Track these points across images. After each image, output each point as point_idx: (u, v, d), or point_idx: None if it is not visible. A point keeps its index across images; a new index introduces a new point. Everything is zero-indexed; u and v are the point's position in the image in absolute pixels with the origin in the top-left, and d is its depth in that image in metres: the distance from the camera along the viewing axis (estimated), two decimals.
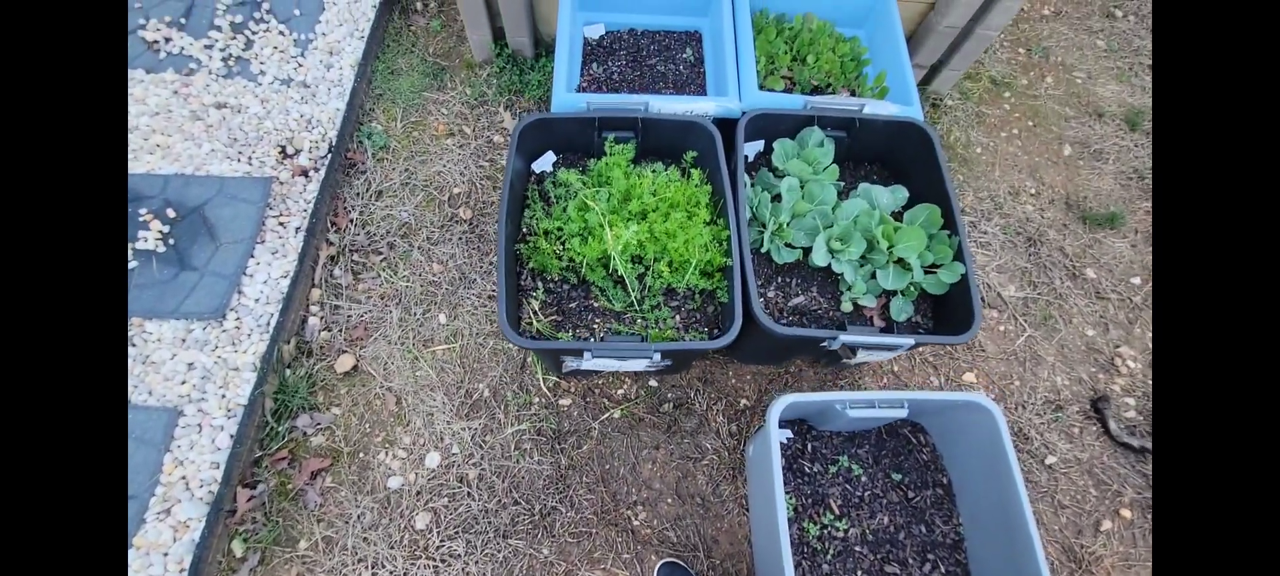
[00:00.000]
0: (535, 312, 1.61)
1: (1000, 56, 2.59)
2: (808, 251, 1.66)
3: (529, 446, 1.80)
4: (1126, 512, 1.76)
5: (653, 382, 1.90)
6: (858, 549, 1.49)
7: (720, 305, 1.62)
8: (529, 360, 1.92)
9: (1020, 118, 2.43)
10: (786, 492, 1.56)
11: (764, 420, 1.82)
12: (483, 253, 2.08)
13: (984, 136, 2.37)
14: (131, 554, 1.59)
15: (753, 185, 1.77)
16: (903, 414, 1.39)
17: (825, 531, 1.51)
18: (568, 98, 1.73)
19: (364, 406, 1.85)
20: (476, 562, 1.65)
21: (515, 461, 1.78)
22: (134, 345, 1.84)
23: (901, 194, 1.73)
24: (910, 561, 1.48)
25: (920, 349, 1.96)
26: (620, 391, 1.88)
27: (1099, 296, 2.08)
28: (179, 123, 2.20)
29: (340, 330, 1.95)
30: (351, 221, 2.12)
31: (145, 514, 1.64)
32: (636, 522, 1.72)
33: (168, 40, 2.34)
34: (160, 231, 1.99)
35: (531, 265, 1.67)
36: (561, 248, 1.65)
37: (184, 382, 1.81)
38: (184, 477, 1.69)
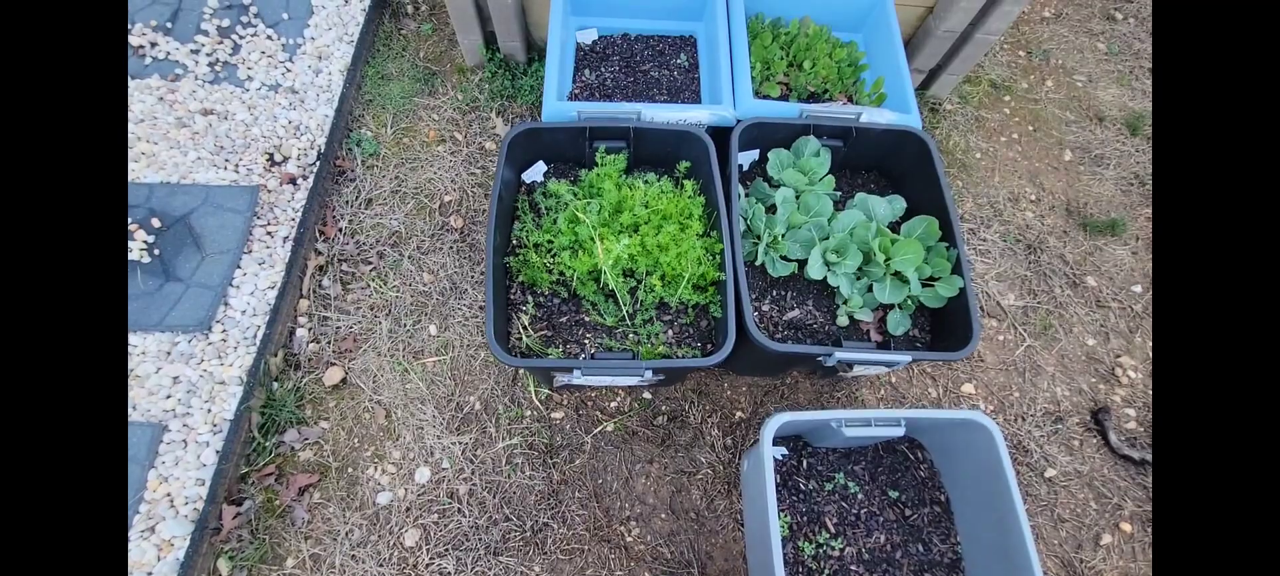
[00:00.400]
0: (525, 327, 1.58)
1: (1000, 59, 2.55)
2: (803, 264, 1.62)
3: (521, 460, 1.77)
4: (1127, 526, 1.73)
5: (646, 395, 1.87)
6: (854, 568, 1.46)
7: (714, 319, 1.58)
8: (521, 373, 1.89)
9: (1020, 122, 2.40)
10: (781, 510, 1.53)
11: (759, 435, 1.80)
12: (474, 262, 2.05)
13: (983, 141, 2.33)
14: None
15: (747, 196, 1.73)
16: (900, 432, 1.36)
17: (821, 550, 1.48)
18: (558, 107, 1.69)
19: (353, 420, 1.82)
20: None
21: (507, 476, 1.75)
22: None
23: (899, 204, 1.70)
24: None
25: (918, 362, 1.93)
26: (613, 404, 1.85)
27: (1100, 305, 2.05)
28: (164, 130, 2.16)
29: (329, 342, 1.91)
30: (340, 230, 2.09)
31: (129, 532, 1.61)
32: (630, 538, 1.69)
33: (154, 45, 2.30)
34: (145, 241, 1.96)
35: (521, 278, 1.64)
36: (552, 261, 1.62)
37: (169, 397, 1.78)
38: (168, 495, 1.66)
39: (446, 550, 1.66)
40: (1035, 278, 2.08)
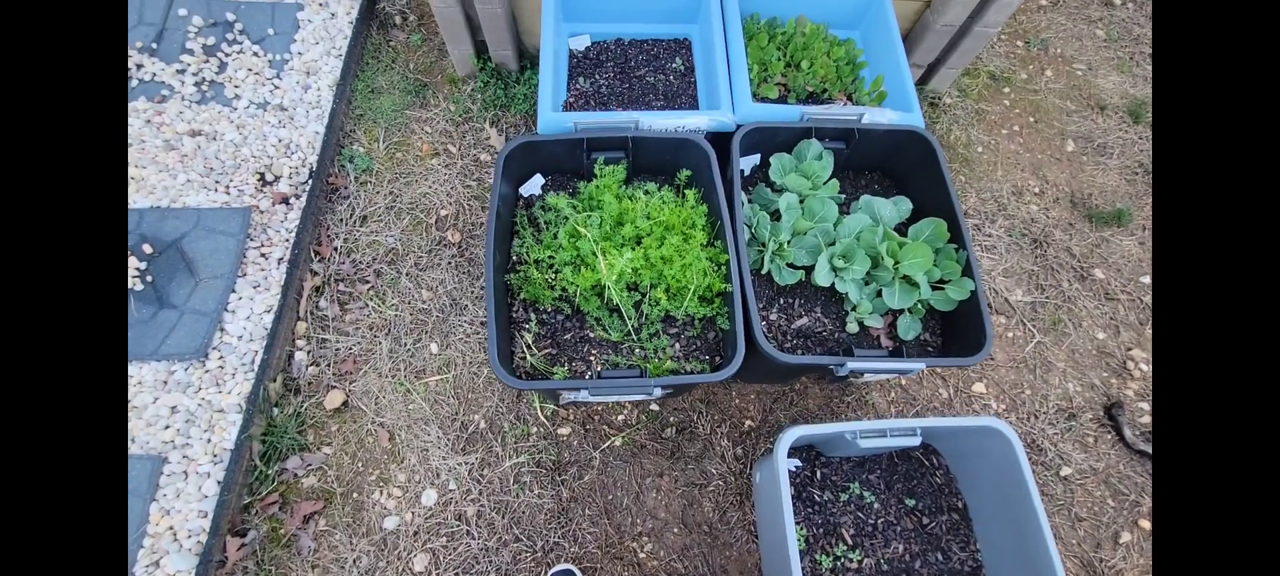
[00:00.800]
0: (528, 346, 1.55)
1: (998, 50, 2.52)
2: (809, 270, 1.59)
3: (528, 479, 1.75)
4: (1146, 523, 1.72)
5: (654, 407, 1.84)
6: None
7: (721, 331, 1.56)
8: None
9: (1021, 114, 2.37)
10: (797, 523, 1.51)
11: (771, 444, 1.77)
12: (473, 277, 2.02)
13: (984, 134, 2.30)
14: None
15: (750, 203, 1.70)
16: (916, 442, 1.33)
17: (839, 563, 1.45)
18: (554, 118, 1.66)
19: (356, 444, 1.79)
20: None
21: (515, 495, 1.73)
22: None
23: (905, 206, 1.67)
24: None
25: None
26: (620, 417, 1.83)
27: (1108, 297, 2.03)
28: (152, 153, 2.12)
29: (328, 364, 1.88)
30: (336, 249, 2.05)
31: (133, 568, 1.58)
32: (642, 555, 1.67)
33: (139, 66, 2.25)
34: (137, 268, 1.92)
35: (523, 296, 1.61)
36: (554, 277, 1.59)
37: (167, 427, 1.74)
38: (171, 528, 1.63)
39: (457, 574, 1.63)
40: (1042, 272, 2.06)
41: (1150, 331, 1.98)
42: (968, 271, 1.50)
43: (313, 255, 2.05)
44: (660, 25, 2.14)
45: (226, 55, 2.32)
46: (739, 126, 1.67)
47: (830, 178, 1.68)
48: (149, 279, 1.91)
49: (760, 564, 1.64)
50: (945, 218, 1.59)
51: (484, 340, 1.92)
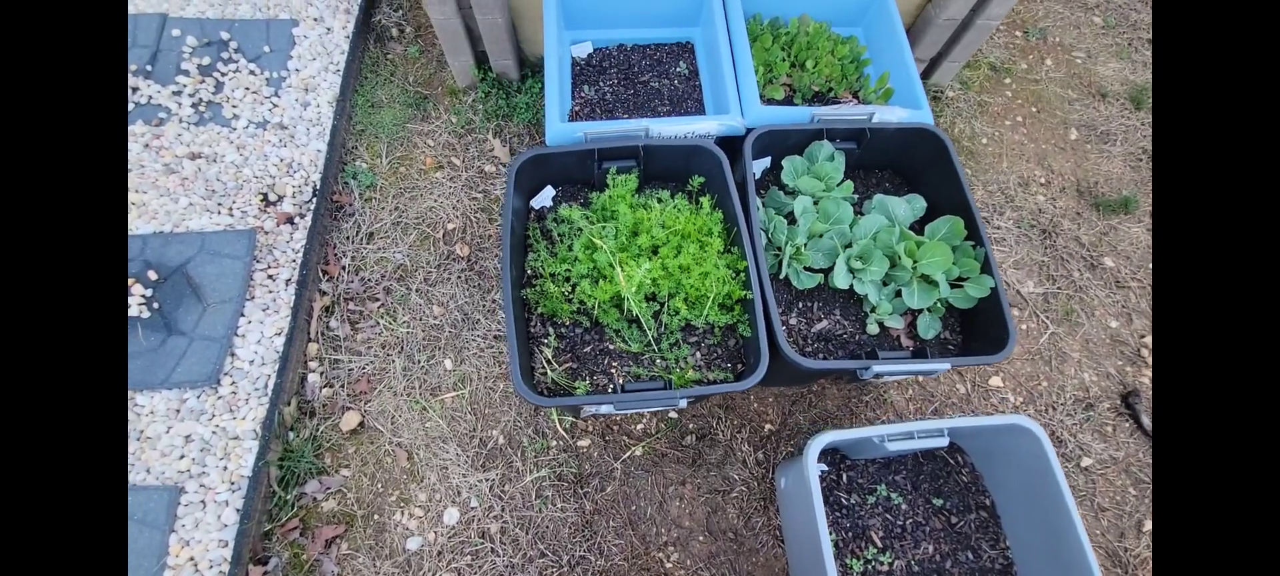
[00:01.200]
0: (548, 361, 1.54)
1: (997, 41, 2.52)
2: (827, 273, 1.59)
3: (550, 493, 1.74)
4: None
5: (673, 415, 1.83)
6: None
7: (742, 338, 1.55)
8: None
9: (1023, 104, 2.38)
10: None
11: (793, 448, 1.77)
12: (484, 291, 2.00)
13: (988, 126, 2.31)
14: None
15: (764, 207, 1.70)
16: (944, 442, 1.33)
17: (869, 567, 1.46)
18: (563, 129, 1.64)
19: (374, 465, 1.77)
20: None
21: (537, 510, 1.72)
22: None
23: (919, 204, 1.67)
24: None
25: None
26: (640, 427, 1.82)
27: (1119, 285, 2.04)
28: (152, 177, 2.09)
29: (342, 385, 1.86)
30: (344, 268, 2.03)
31: None
32: (669, 565, 1.66)
33: (134, 89, 2.22)
34: (143, 295, 1.89)
35: (540, 310, 1.60)
36: (571, 290, 1.57)
37: (182, 457, 1.72)
38: (191, 559, 1.61)
39: None
40: (1053, 263, 2.06)
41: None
42: (986, 268, 1.50)
43: (321, 275, 2.03)
44: (662, 29, 2.13)
45: (222, 75, 2.29)
46: (749, 130, 1.66)
47: (845, 180, 1.67)
48: (155, 306, 1.88)
49: (787, 569, 1.64)
50: (960, 214, 1.59)
51: (499, 354, 1.90)
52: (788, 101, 1.95)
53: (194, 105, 2.22)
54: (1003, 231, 2.11)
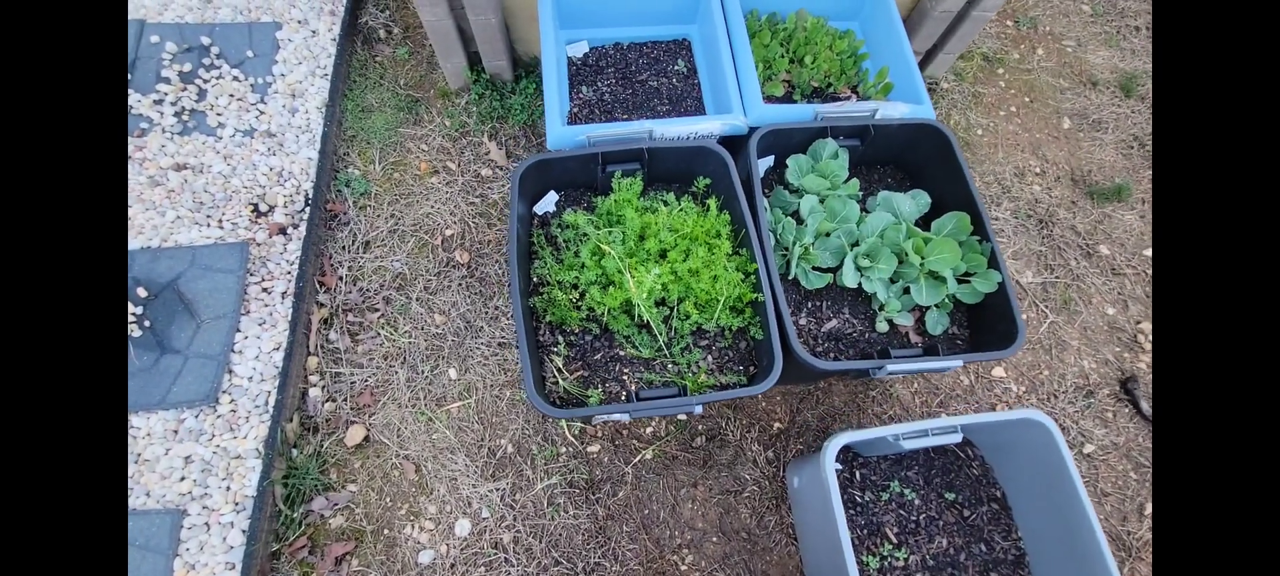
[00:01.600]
0: (559, 370, 1.52)
1: (990, 31, 2.54)
2: (835, 271, 1.59)
3: (562, 500, 1.73)
4: None
5: (682, 416, 1.83)
6: None
7: (753, 340, 1.55)
8: None
9: (1016, 94, 2.39)
10: None
11: (803, 446, 1.78)
12: (486, 297, 1.98)
13: (983, 117, 2.32)
14: None
15: (770, 208, 1.69)
16: (957, 439, 1.35)
17: (886, 563, 1.47)
18: (565, 133, 1.62)
19: (382, 479, 1.75)
20: None
21: (550, 518, 1.71)
22: None
23: (924, 200, 1.67)
24: None
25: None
26: (649, 430, 1.81)
27: (1115, 272, 2.08)
28: (137, 191, 2.02)
29: (345, 399, 1.83)
30: (341, 278, 1.99)
31: None
32: (684, 567, 1.66)
33: None
34: (134, 313, 1.83)
35: (549, 319, 1.58)
36: (579, 297, 1.56)
37: (183, 479, 1.68)
38: None
39: None
40: (1050, 252, 2.09)
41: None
42: (993, 263, 1.52)
43: (318, 286, 1.99)
44: (658, 27, 2.11)
45: (205, 82, 2.22)
46: (753, 129, 1.65)
47: (850, 178, 1.67)
48: (147, 324, 1.83)
49: (801, 566, 1.65)
50: (964, 208, 1.60)
51: (504, 362, 1.88)
52: (787, 98, 1.95)
53: (176, 114, 2.15)
54: (1001, 222, 2.13)
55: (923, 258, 1.52)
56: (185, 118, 2.15)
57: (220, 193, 2.06)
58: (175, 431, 1.73)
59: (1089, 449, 1.82)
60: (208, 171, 2.08)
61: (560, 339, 1.57)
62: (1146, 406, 1.84)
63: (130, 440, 1.70)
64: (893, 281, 1.58)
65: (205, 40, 2.27)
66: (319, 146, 2.14)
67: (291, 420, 1.79)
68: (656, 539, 1.69)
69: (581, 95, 1.97)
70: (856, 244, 1.59)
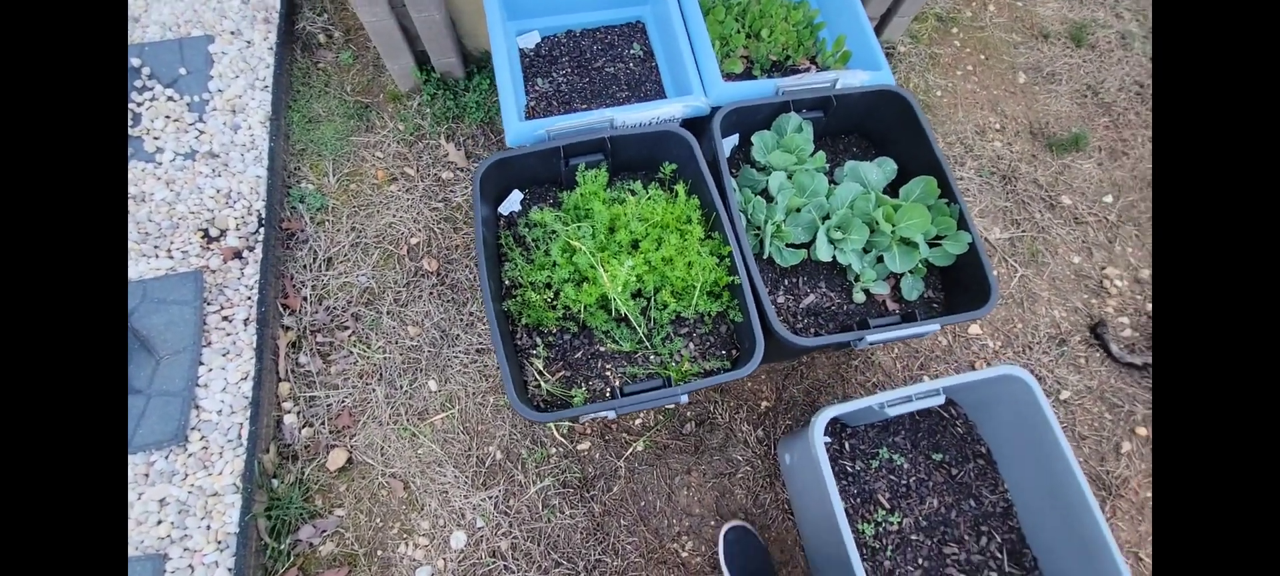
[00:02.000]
0: (540, 373, 1.50)
1: None
2: (808, 247, 1.59)
3: (557, 501, 1.71)
4: (1142, 430, 1.83)
5: (670, 405, 1.82)
6: (914, 537, 1.49)
7: (733, 323, 1.54)
8: None
9: (971, 53, 2.41)
10: None
11: (791, 421, 1.79)
12: (459, 304, 1.93)
13: (941, 78, 2.34)
14: None
15: (739, 188, 1.68)
16: (940, 401, 1.36)
17: (880, 528, 1.49)
18: (523, 128, 1.57)
19: (369, 500, 1.71)
20: None
21: (546, 520, 1.69)
22: None
23: (890, 167, 1.68)
24: (966, 537, 1.49)
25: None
26: (639, 421, 1.80)
27: (1078, 221, 2.12)
28: None
29: (322, 423, 1.78)
30: (305, 299, 1.92)
31: None
32: (685, 554, 1.67)
33: None
34: None
35: (525, 321, 1.55)
36: (553, 297, 1.53)
37: (159, 522, 1.62)
38: None
39: None
40: (1015, 207, 2.12)
41: (1119, 248, 2.08)
42: (962, 224, 1.53)
43: (281, 309, 1.92)
44: (610, 10, 2.05)
45: (138, 105, 2.10)
46: (715, 109, 1.63)
47: (816, 151, 1.66)
48: None
49: (799, 541, 1.67)
50: (930, 172, 1.61)
51: (484, 368, 1.85)
52: (747, 74, 1.92)
53: None
54: (966, 181, 2.16)
55: (893, 225, 1.53)
56: None
57: (165, 221, 1.96)
58: (146, 475, 1.66)
59: (1065, 395, 1.87)
60: (150, 199, 1.98)
61: (538, 341, 1.54)
62: (1116, 349, 1.89)
63: None
64: (866, 251, 1.59)
65: (135, 62, 2.15)
66: (267, 163, 2.05)
67: (268, 450, 1.73)
68: (655, 529, 1.69)
69: (537, 88, 1.92)
70: (827, 217, 1.59)
